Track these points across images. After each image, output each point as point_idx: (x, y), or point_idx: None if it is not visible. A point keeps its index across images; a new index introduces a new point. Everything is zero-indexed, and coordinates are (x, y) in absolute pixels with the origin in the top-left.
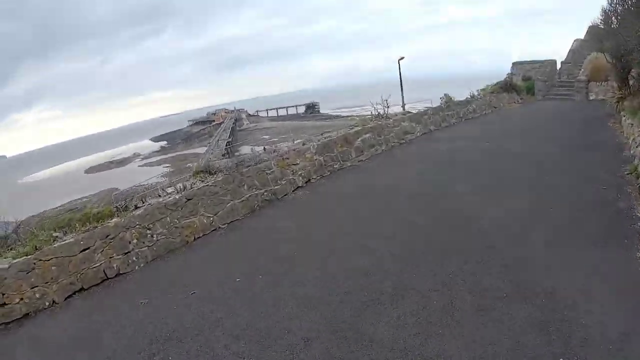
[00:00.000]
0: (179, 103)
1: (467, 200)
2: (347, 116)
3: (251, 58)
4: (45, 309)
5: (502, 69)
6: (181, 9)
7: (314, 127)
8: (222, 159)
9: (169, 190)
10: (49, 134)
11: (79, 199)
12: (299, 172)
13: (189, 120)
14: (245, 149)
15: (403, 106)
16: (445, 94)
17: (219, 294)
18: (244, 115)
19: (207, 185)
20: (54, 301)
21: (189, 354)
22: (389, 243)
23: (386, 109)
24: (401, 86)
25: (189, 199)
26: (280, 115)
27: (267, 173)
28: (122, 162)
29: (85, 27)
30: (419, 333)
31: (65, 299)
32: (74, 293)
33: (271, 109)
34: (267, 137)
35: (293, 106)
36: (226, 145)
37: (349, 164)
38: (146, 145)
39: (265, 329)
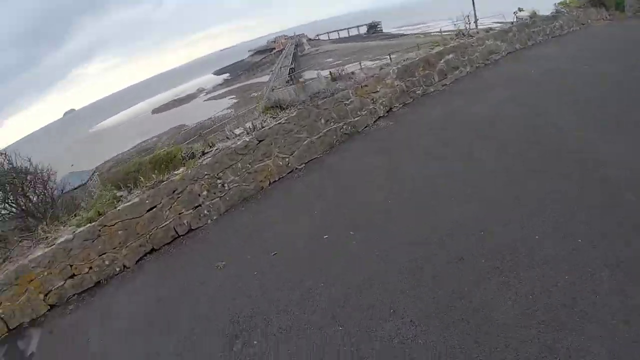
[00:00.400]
0: (237, 34)
1: (575, 135)
2: (413, 34)
3: None
4: (116, 274)
5: None
6: None
7: (379, 47)
8: (287, 85)
9: (237, 131)
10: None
11: (149, 139)
12: (380, 101)
13: (249, 51)
14: (309, 74)
15: (475, 22)
16: (522, 10)
17: (304, 254)
18: (304, 40)
19: (279, 123)
20: (124, 266)
21: (277, 338)
22: (498, 185)
23: (468, 26)
24: (473, 1)
25: (260, 140)
26: (342, 37)
27: (345, 104)
28: (187, 99)
29: None
30: None
31: (137, 262)
32: (145, 255)
33: (332, 32)
34: (330, 59)
35: (354, 27)
36: (289, 72)
37: (432, 89)
38: (209, 79)
39: (367, 305)
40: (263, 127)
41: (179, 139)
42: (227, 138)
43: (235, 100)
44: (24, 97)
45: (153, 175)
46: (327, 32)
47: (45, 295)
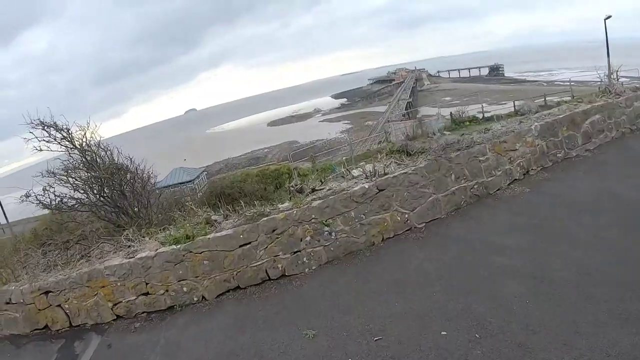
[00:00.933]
0: (358, 62)
1: None
2: (535, 81)
3: (432, 16)
4: (192, 304)
5: None
6: None
7: (500, 91)
8: (403, 119)
9: (355, 172)
10: (234, 90)
11: (260, 149)
12: (517, 161)
13: (368, 79)
14: (426, 110)
15: (609, 76)
16: None
17: (414, 350)
18: (424, 75)
19: (405, 173)
20: (203, 297)
21: None
22: None
23: (616, 81)
24: (607, 51)
25: (381, 190)
26: (462, 77)
27: (480, 160)
28: (303, 117)
29: None
30: None
31: (217, 296)
32: (228, 291)
33: (452, 70)
34: (448, 98)
35: (475, 68)
36: (407, 106)
37: (574, 154)
38: (327, 101)
39: None
40: (386, 175)
41: (289, 155)
42: (343, 177)
43: (350, 126)
44: (150, 91)
45: (255, 204)
46: (448, 70)
47: (114, 304)
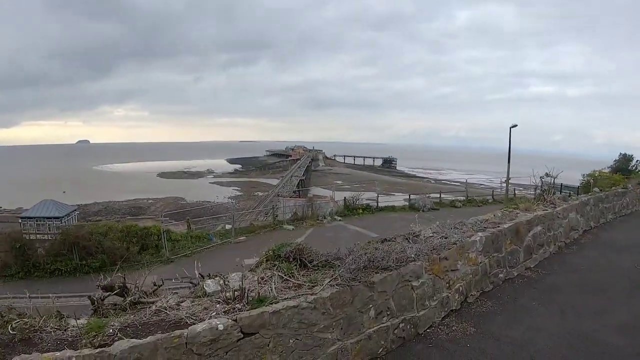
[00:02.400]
0: (259, 131)
1: None
2: (422, 177)
3: (337, 102)
4: None
5: (588, 153)
6: (276, 45)
7: (390, 182)
8: (293, 196)
9: (211, 284)
10: (132, 131)
11: (145, 198)
12: (457, 285)
13: (266, 150)
14: (317, 191)
15: (507, 181)
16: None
17: None
18: (321, 156)
19: (296, 306)
20: None
21: None
22: None
23: (552, 189)
24: (509, 158)
25: (248, 334)
26: (357, 164)
27: (412, 286)
28: (195, 175)
29: (185, 44)
30: None
31: None
32: None
33: (348, 156)
34: (339, 182)
35: (371, 157)
36: (299, 183)
37: (515, 273)
38: (221, 164)
39: None
40: (260, 303)
41: (170, 212)
42: (191, 285)
43: (239, 193)
44: (47, 109)
45: None
46: (344, 155)
47: None
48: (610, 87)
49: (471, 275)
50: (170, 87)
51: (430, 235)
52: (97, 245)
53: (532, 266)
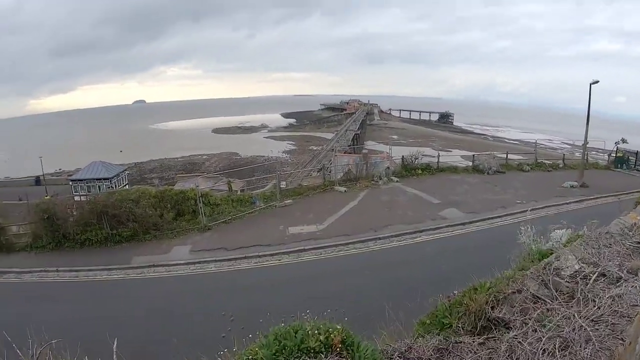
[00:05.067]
0: (314, 85)
1: None
2: (481, 134)
3: (391, 56)
4: None
5: None
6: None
7: (447, 138)
8: (348, 150)
9: None
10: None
11: (199, 154)
12: None
13: (321, 104)
14: (373, 145)
15: (585, 145)
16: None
17: None
18: (376, 111)
19: None
20: None
21: None
22: None
23: None
24: (587, 119)
25: None
26: (412, 118)
27: None
28: (249, 130)
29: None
30: None
31: None
32: None
33: (404, 110)
34: (395, 137)
35: (427, 112)
36: (353, 137)
37: None
38: (275, 119)
39: None
40: None
41: (225, 166)
42: None
43: (293, 147)
44: (102, 73)
45: None
46: (400, 109)
47: None
48: None
49: None
50: (223, 45)
51: (577, 268)
52: (128, 213)
53: None
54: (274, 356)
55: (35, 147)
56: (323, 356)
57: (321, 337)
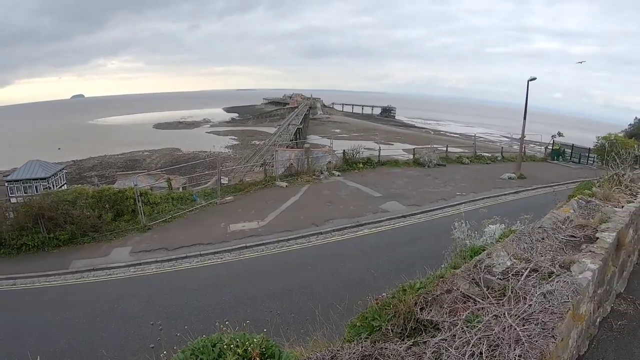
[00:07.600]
0: (256, 79)
1: None
2: (422, 128)
3: (335, 50)
4: None
5: (585, 114)
6: None
7: (389, 131)
8: (290, 145)
9: None
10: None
11: (140, 151)
12: None
13: (264, 98)
14: (315, 139)
15: (522, 138)
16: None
17: None
18: (319, 104)
19: None
20: None
21: None
22: None
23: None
24: (525, 113)
25: None
26: (355, 112)
27: None
28: (191, 125)
29: None
30: None
31: None
32: None
33: (347, 104)
34: (338, 130)
35: (369, 106)
36: (296, 132)
37: (608, 308)
38: (217, 113)
39: None
40: None
41: (166, 163)
42: None
43: (236, 142)
44: (39, 66)
45: None
46: (343, 104)
47: None
48: (614, 48)
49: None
50: (165, 37)
51: (509, 265)
52: (65, 215)
53: (622, 290)
54: None
55: None
56: None
57: (239, 350)
